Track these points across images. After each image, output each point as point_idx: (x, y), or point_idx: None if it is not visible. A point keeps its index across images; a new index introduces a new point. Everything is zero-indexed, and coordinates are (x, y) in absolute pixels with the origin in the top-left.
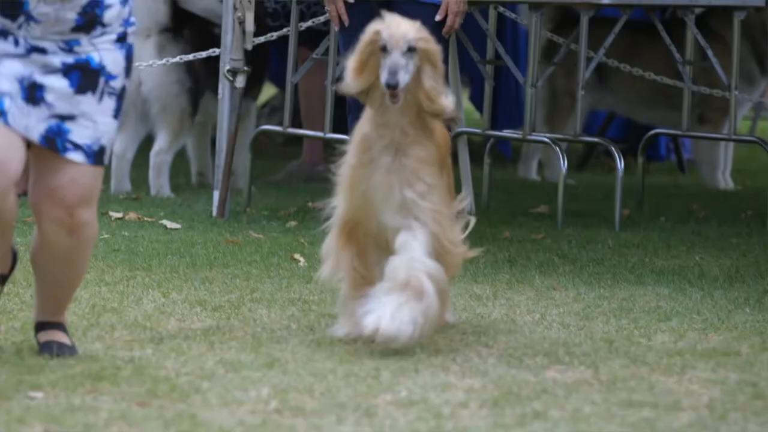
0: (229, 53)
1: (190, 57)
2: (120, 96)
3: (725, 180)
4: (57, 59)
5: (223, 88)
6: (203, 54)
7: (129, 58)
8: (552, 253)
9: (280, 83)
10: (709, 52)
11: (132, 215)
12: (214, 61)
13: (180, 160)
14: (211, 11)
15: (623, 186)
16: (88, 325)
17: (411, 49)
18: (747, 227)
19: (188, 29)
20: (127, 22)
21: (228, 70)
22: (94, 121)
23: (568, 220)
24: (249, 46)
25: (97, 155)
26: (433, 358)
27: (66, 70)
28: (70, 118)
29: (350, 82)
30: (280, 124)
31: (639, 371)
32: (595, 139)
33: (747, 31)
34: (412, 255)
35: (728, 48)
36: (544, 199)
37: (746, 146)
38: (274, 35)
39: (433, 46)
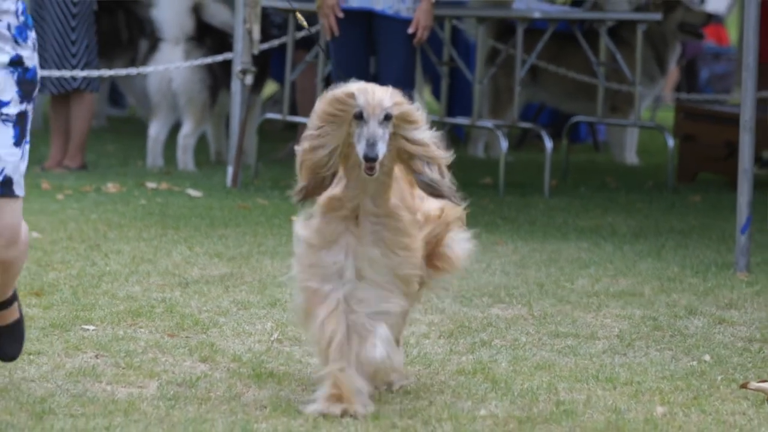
0: (240, 57)
1: (210, 60)
2: (18, 122)
3: (632, 157)
4: None
5: (235, 85)
6: (220, 57)
7: (25, 82)
8: (495, 215)
9: (280, 80)
10: (618, 56)
11: (164, 185)
12: (229, 63)
13: (202, 142)
14: (226, 23)
15: (551, 162)
16: (129, 272)
17: (387, 117)
18: (649, 195)
19: (209, 38)
20: (21, 44)
21: (239, 71)
22: None
23: (508, 190)
24: (256, 51)
25: (1, 186)
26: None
27: None
28: None
29: (312, 152)
30: (281, 112)
31: (564, 308)
32: (529, 125)
33: (649, 39)
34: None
35: (634, 52)
36: (488, 173)
37: (648, 131)
38: (276, 42)
39: (408, 108)
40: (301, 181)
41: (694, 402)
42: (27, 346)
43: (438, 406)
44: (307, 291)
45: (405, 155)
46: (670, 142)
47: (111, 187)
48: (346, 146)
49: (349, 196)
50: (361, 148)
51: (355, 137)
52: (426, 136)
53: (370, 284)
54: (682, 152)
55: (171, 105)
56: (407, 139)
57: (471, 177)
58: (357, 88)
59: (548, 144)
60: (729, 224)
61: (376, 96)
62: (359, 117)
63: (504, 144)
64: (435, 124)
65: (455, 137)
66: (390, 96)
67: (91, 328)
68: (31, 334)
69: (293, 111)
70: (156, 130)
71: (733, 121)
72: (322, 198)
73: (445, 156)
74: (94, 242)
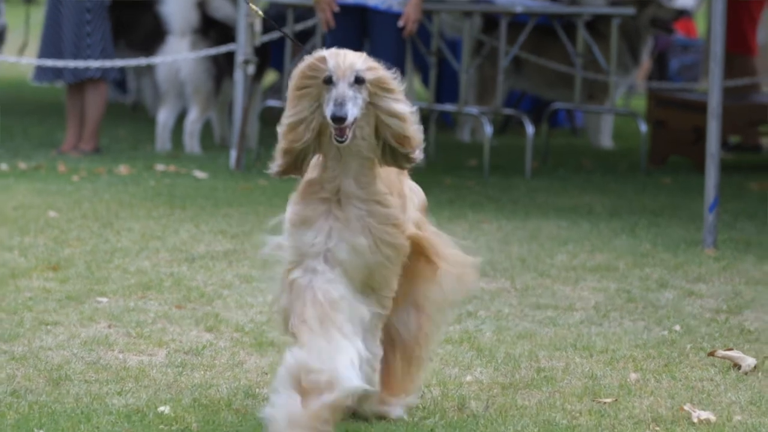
0: (243, 48)
1: (214, 51)
2: None
3: (607, 142)
4: None
5: (238, 74)
6: (224, 49)
7: None
8: (481, 195)
9: (280, 69)
10: (595, 48)
11: (171, 168)
12: (232, 54)
13: (207, 127)
14: (229, 17)
15: (532, 146)
16: (139, 248)
17: (359, 81)
18: (623, 177)
19: (213, 31)
20: None
21: (242, 61)
22: None
23: (492, 171)
24: (257, 44)
25: None
26: None
27: None
28: None
29: (290, 131)
30: (281, 100)
31: (544, 282)
32: (512, 112)
33: (623, 32)
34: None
35: (609, 45)
36: (474, 156)
37: (622, 117)
38: (276, 35)
39: (384, 73)
40: (278, 159)
41: (665, 369)
42: (44, 316)
43: (427, 372)
44: (286, 281)
45: (380, 131)
46: (643, 127)
47: (122, 169)
48: (321, 117)
49: (329, 177)
50: (328, 110)
51: (325, 102)
52: (404, 108)
53: (347, 278)
54: (654, 137)
55: (178, 93)
56: (383, 110)
57: (458, 160)
58: (328, 52)
59: (529, 129)
60: (697, 204)
61: (347, 59)
62: (329, 81)
63: (489, 129)
64: (424, 111)
65: (443, 123)
66: (363, 60)
67: (104, 300)
68: (48, 305)
69: None
70: (164, 117)
71: (700, 108)
72: (301, 183)
73: (420, 137)
74: (107, 221)
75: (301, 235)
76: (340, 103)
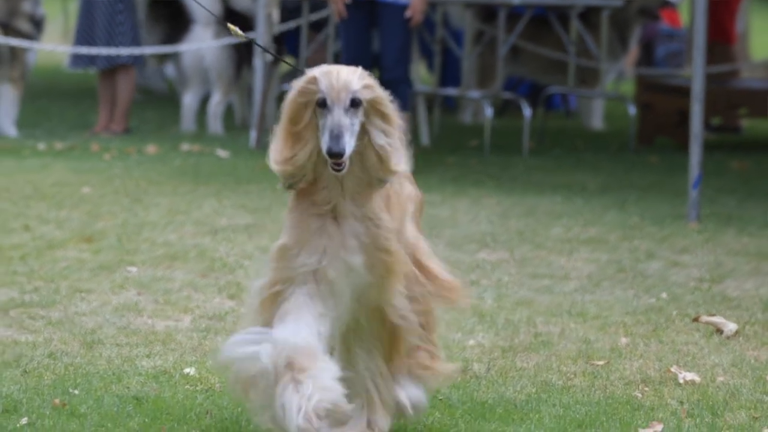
0: (262, 37)
1: (235, 40)
2: None
3: (598, 123)
4: None
5: (258, 60)
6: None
7: None
8: (481, 173)
9: (296, 55)
10: (587, 37)
11: (196, 147)
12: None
13: (228, 109)
14: (249, 8)
15: (529, 127)
16: (166, 222)
17: (355, 103)
18: (613, 156)
19: (235, 21)
20: None
21: (261, 49)
22: None
23: (492, 151)
24: (275, 32)
25: None
26: None
27: None
28: None
29: (283, 157)
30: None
31: (541, 253)
32: (510, 95)
33: (613, 21)
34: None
35: (600, 33)
36: (475, 137)
37: (612, 100)
38: (292, 24)
39: (380, 93)
40: (281, 179)
41: (653, 333)
42: (79, 284)
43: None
44: (265, 290)
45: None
46: (631, 110)
47: (150, 148)
48: (317, 144)
49: (325, 197)
50: (324, 142)
51: (320, 129)
52: (392, 143)
53: (335, 296)
54: (642, 119)
55: (202, 79)
56: (373, 138)
57: (460, 140)
58: (320, 71)
59: (527, 112)
60: (682, 181)
61: (341, 78)
62: (322, 104)
63: (489, 111)
64: (429, 95)
65: (446, 106)
66: (358, 77)
67: (134, 269)
68: (82, 274)
69: None
70: (189, 100)
71: (685, 92)
72: (297, 194)
73: (401, 166)
74: (136, 196)
75: (291, 259)
76: (337, 136)
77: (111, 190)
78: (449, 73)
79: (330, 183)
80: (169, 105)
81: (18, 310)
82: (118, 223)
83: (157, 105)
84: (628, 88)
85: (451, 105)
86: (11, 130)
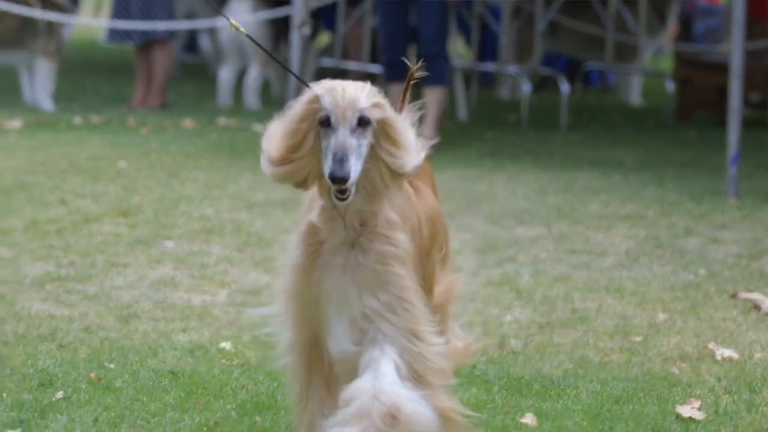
0: (299, 12)
1: (273, 15)
2: None
3: (636, 99)
4: None
5: (295, 35)
6: (281, 12)
7: None
8: (519, 148)
9: (333, 31)
10: (625, 12)
11: (232, 122)
12: (289, 17)
13: (265, 84)
14: None
15: (567, 103)
16: (203, 196)
17: (363, 122)
18: (651, 132)
19: None
20: None
21: (298, 24)
22: None
23: (530, 126)
24: (312, 8)
25: None
26: None
27: None
28: None
29: (277, 168)
30: (333, 58)
31: (578, 229)
32: (548, 71)
33: None
34: (377, 379)
35: (638, 9)
36: (513, 112)
37: (651, 76)
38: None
39: (390, 114)
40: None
41: (691, 310)
42: (115, 259)
43: (470, 312)
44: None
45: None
46: (670, 86)
47: (187, 123)
48: (319, 167)
49: (330, 222)
50: (327, 166)
51: (323, 151)
52: (402, 164)
53: (349, 321)
54: (680, 95)
55: (239, 53)
56: (384, 160)
57: (498, 116)
58: (323, 87)
59: (564, 87)
60: (720, 157)
61: (347, 95)
62: (326, 123)
63: (527, 87)
64: (467, 71)
65: (484, 81)
66: (366, 95)
67: (171, 244)
68: (118, 249)
69: (345, 58)
70: (226, 75)
71: (723, 68)
72: (303, 226)
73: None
74: (173, 171)
75: (295, 302)
76: (341, 159)
77: (147, 165)
78: (487, 49)
79: (333, 208)
80: (206, 80)
81: (54, 284)
82: (154, 198)
83: (194, 80)
84: (667, 64)
85: (488, 80)
86: (48, 104)
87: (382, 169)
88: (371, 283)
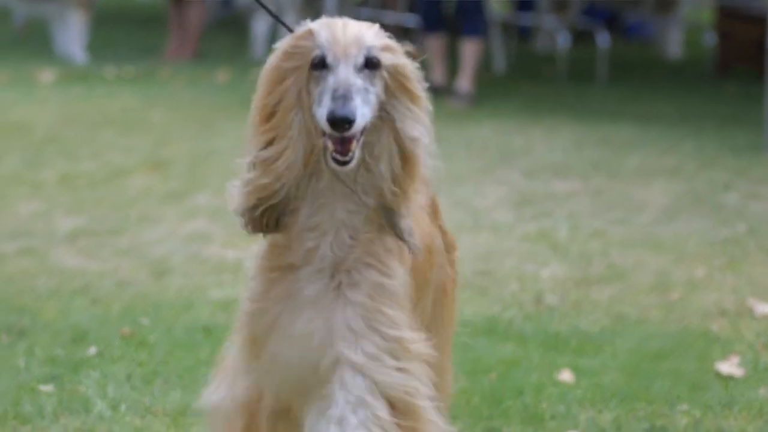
0: None
1: None
2: None
3: (676, 52)
4: None
5: None
6: None
7: None
8: (556, 101)
9: None
10: None
11: None
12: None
13: None
14: None
15: (606, 56)
16: (236, 150)
17: (372, 64)
18: (691, 83)
19: None
20: None
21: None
22: None
23: (567, 79)
24: None
25: None
26: (473, 174)
27: None
28: None
29: (261, 180)
30: (369, 7)
31: (616, 184)
32: (587, 23)
33: None
34: None
35: None
36: (551, 65)
37: (690, 29)
38: None
39: (405, 61)
40: (243, 217)
41: (729, 266)
42: (147, 212)
43: (507, 267)
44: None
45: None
46: (710, 39)
47: (221, 75)
48: (308, 135)
49: (307, 234)
50: (324, 106)
51: (315, 99)
52: (422, 133)
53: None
54: (720, 48)
55: (274, 3)
56: (398, 128)
57: (535, 69)
58: (318, 22)
59: (603, 40)
60: (760, 111)
61: (349, 30)
62: (320, 65)
63: (565, 39)
64: (504, 23)
65: (521, 34)
66: (376, 33)
67: (203, 198)
68: (150, 202)
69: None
70: (260, 26)
71: (764, 21)
72: (264, 246)
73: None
74: (205, 123)
75: (251, 354)
76: (343, 96)
77: (180, 117)
78: (525, 1)
79: (316, 208)
80: (241, 32)
81: (86, 238)
82: (186, 151)
83: (228, 33)
84: (707, 16)
85: (526, 33)
86: (80, 56)
87: (392, 144)
88: (356, 328)
